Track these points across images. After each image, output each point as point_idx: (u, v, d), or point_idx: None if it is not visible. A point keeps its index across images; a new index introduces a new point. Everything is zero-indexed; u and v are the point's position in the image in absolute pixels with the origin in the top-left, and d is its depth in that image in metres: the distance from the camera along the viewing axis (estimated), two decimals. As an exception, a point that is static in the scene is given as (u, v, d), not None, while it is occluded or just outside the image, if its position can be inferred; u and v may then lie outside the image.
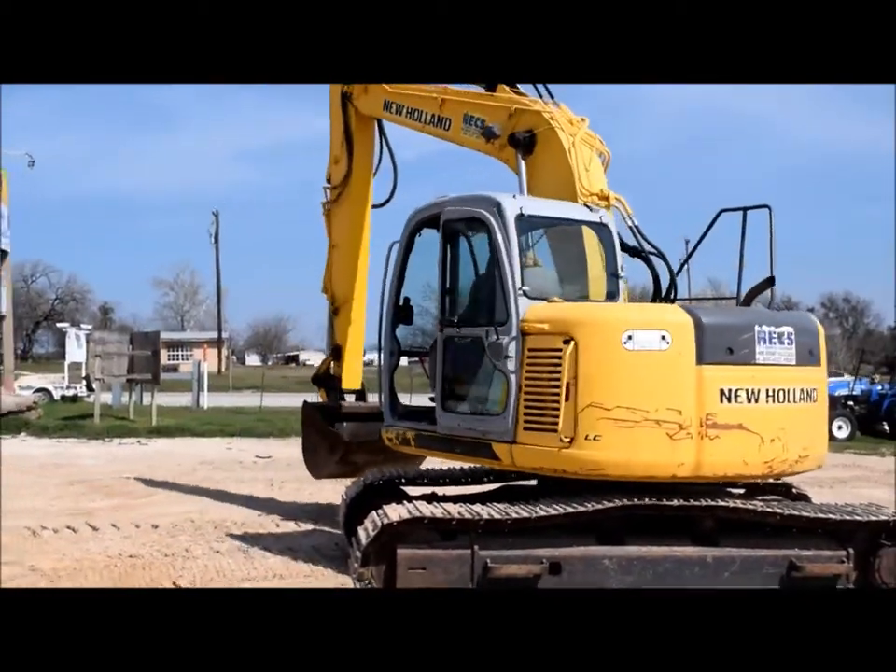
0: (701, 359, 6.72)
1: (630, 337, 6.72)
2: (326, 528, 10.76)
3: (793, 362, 7.07)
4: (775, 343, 7.00)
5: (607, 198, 8.14)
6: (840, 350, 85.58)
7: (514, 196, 7.74)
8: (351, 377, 11.58)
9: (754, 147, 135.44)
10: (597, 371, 6.78)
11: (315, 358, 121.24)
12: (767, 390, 6.91)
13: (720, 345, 6.78)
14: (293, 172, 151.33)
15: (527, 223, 7.61)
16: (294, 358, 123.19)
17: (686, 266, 8.28)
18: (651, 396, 6.70)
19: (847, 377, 31.80)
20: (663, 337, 6.73)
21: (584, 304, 7.70)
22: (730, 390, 6.75)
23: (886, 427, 26.51)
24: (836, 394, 26.76)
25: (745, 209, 7.86)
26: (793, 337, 7.09)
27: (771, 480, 8.17)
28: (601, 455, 6.72)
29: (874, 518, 7.07)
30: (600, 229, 8.00)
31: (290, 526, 10.97)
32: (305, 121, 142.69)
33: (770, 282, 7.72)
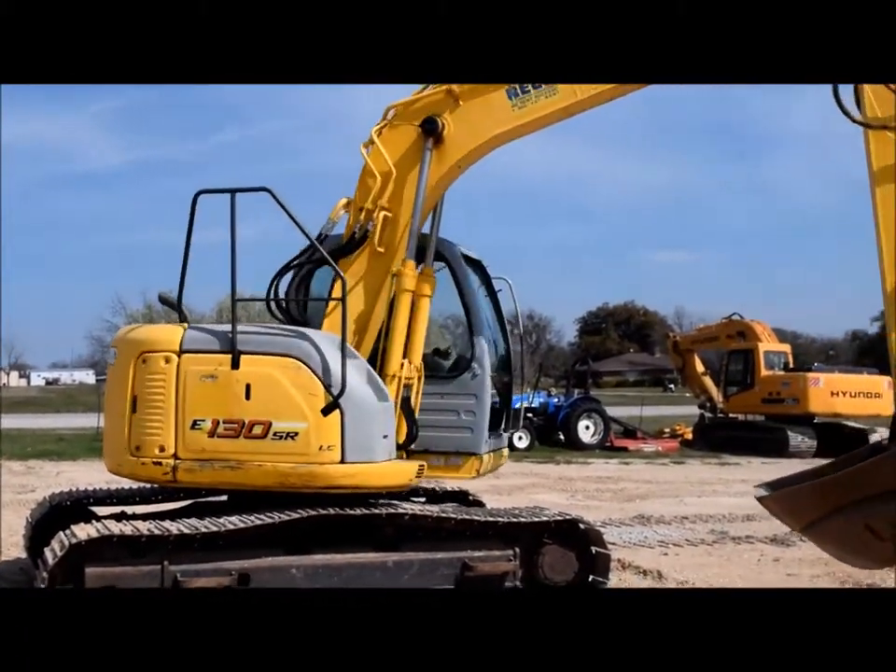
0: None
1: None
2: (8, 554, 10.39)
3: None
4: None
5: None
6: (525, 365, 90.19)
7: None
8: None
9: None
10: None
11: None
12: None
13: None
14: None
15: None
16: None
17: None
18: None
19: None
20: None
21: None
22: None
23: (561, 437, 27.88)
24: (517, 406, 28.21)
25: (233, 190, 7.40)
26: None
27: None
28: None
29: (536, 519, 7.77)
30: None
31: (-32, 554, 10.47)
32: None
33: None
